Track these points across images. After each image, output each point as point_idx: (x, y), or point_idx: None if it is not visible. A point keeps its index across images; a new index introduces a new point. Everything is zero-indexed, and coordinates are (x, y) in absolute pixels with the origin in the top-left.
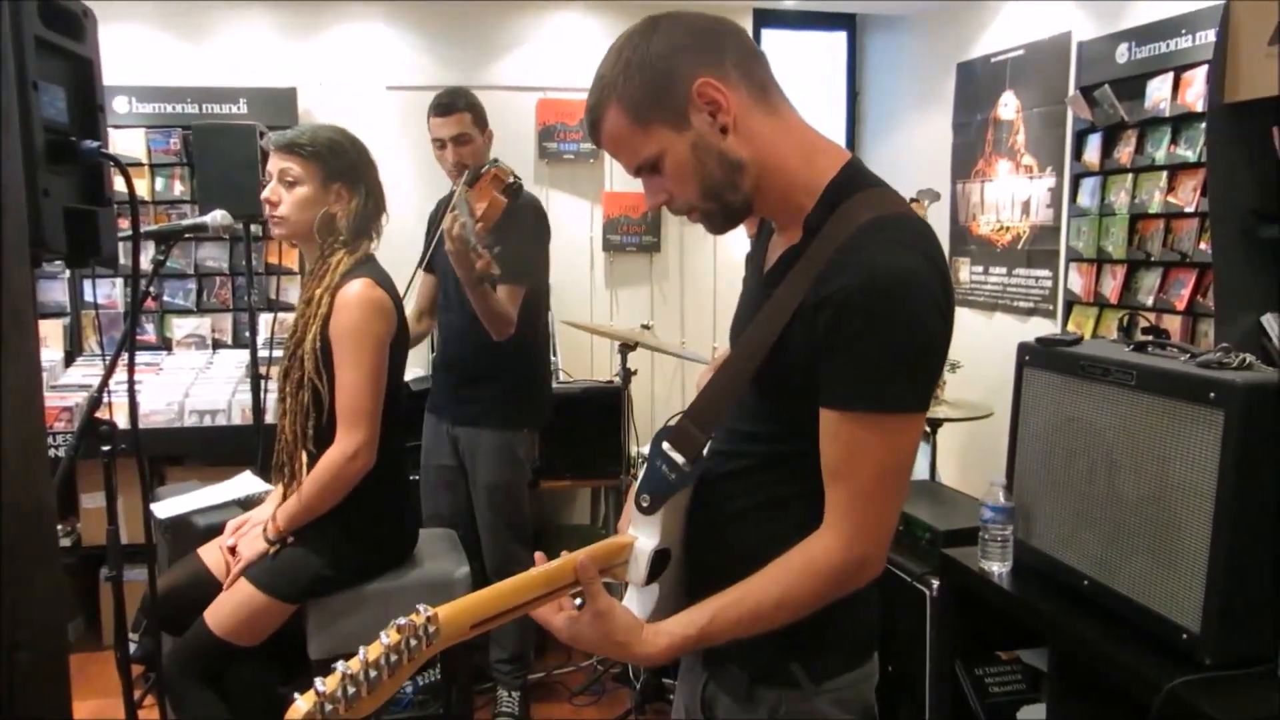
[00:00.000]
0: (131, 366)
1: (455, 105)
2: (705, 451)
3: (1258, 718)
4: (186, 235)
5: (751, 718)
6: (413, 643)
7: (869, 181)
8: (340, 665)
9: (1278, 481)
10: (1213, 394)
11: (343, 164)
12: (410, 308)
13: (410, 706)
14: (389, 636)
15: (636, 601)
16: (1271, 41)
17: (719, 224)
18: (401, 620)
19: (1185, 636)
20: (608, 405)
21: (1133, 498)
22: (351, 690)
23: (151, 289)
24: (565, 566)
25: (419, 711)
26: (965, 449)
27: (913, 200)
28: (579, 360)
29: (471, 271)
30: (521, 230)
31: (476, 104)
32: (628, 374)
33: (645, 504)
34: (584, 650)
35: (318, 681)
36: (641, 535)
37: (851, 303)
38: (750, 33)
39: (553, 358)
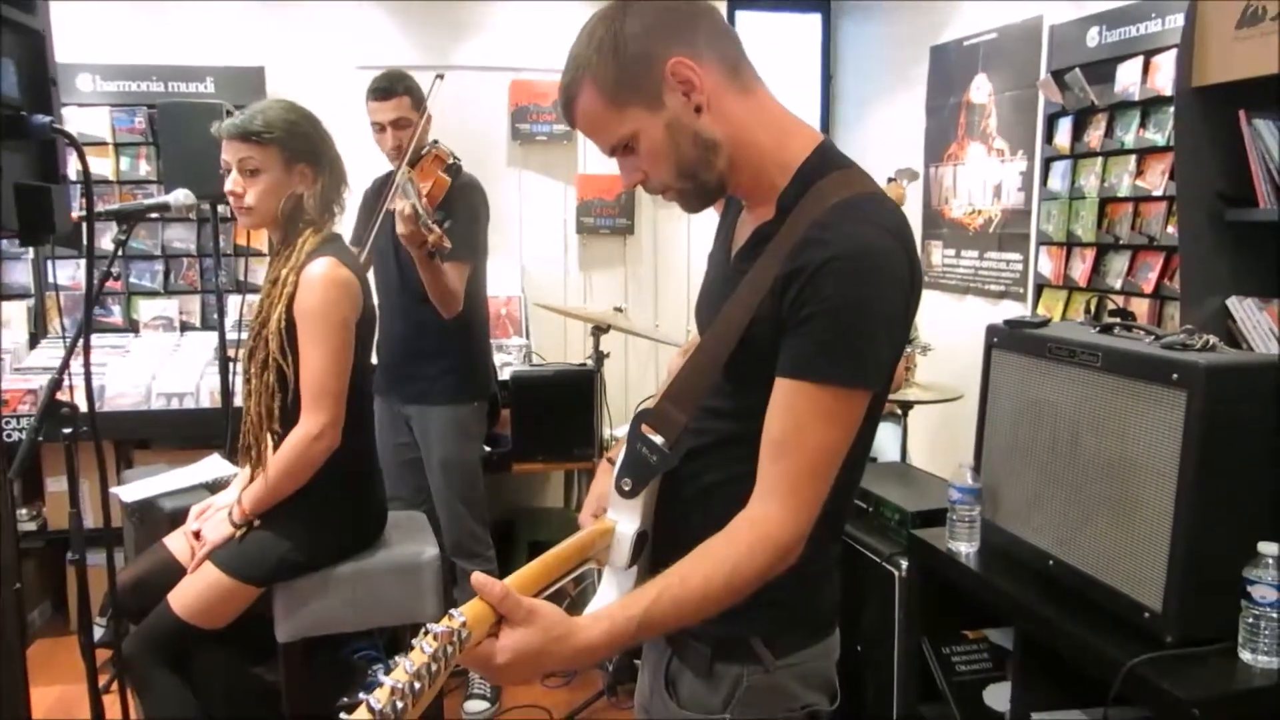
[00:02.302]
0: (87, 348)
1: (394, 90)
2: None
3: (1218, 695)
4: (149, 215)
5: (714, 694)
6: (449, 650)
7: (842, 162)
8: (385, 679)
9: (1238, 461)
10: (1175, 375)
11: (303, 144)
12: None
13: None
14: (429, 645)
15: (615, 587)
16: (1239, 25)
17: (693, 203)
18: (438, 628)
19: (1147, 615)
20: (580, 388)
21: (1096, 478)
22: (400, 705)
23: (113, 270)
24: (570, 549)
25: None
26: (937, 431)
27: (890, 180)
28: (552, 343)
29: (424, 249)
30: (464, 209)
31: (415, 87)
32: (600, 357)
33: (627, 488)
34: (528, 671)
35: (370, 699)
36: (622, 519)
37: (821, 275)
38: (725, 14)
39: (525, 340)
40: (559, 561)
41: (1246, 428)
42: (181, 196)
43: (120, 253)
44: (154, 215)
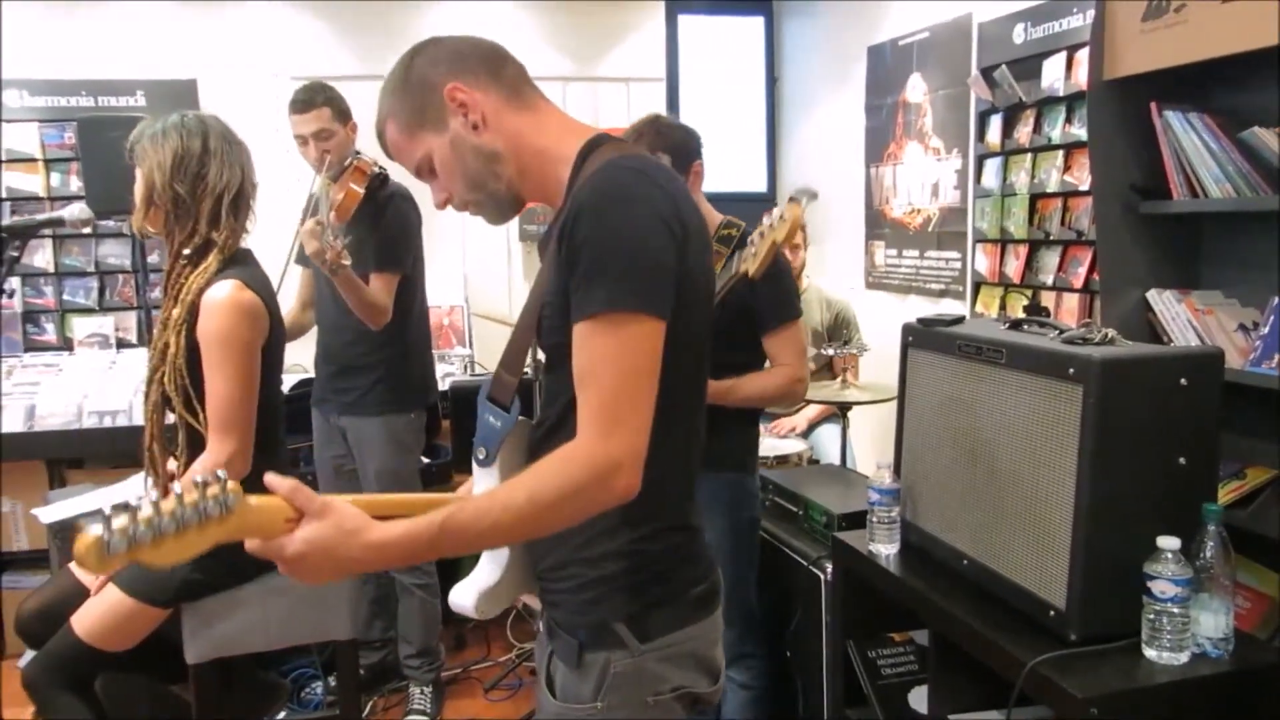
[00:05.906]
0: None
1: (313, 101)
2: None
3: (1116, 692)
4: (42, 232)
5: (584, 683)
6: (208, 505)
7: (609, 141)
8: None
9: (1135, 455)
10: (1072, 369)
11: (148, 152)
12: (294, 302)
13: (320, 708)
14: (190, 496)
15: (487, 561)
16: (1144, 18)
17: (492, 214)
18: (202, 479)
19: (1053, 613)
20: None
21: (1004, 475)
22: (134, 531)
23: (4, 288)
24: (424, 501)
25: (328, 712)
26: (883, 432)
27: (791, 199)
28: (495, 352)
29: (327, 264)
30: (390, 219)
31: (336, 98)
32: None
33: (482, 456)
34: (324, 565)
35: (111, 516)
36: (481, 488)
37: (576, 226)
38: (663, 18)
39: (468, 350)
40: (406, 505)
41: (1143, 421)
42: (76, 211)
43: (11, 270)
44: (48, 232)
